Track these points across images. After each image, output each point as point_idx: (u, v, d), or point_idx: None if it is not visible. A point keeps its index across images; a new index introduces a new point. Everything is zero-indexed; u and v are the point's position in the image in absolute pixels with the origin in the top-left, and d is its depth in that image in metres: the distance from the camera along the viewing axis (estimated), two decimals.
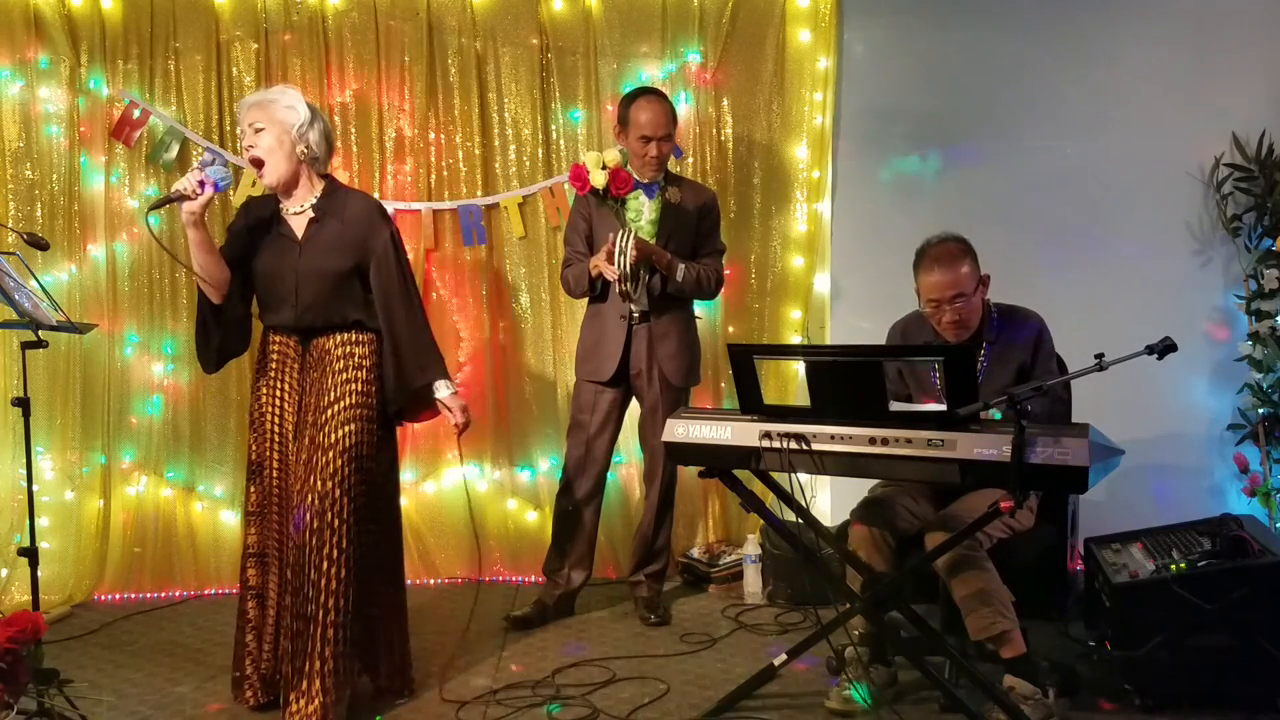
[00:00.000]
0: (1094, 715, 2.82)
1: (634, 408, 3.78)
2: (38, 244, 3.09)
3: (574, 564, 3.74)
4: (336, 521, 2.79)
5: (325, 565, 2.77)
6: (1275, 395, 3.91)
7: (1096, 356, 2.52)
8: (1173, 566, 2.90)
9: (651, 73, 4.17)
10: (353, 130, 4.13)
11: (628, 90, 3.77)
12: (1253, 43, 4.01)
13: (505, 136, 4.18)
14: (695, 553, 4.20)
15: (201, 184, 2.75)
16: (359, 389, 2.88)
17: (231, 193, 3.95)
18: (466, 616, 3.23)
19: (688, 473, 3.66)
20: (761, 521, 3.21)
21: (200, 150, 4.08)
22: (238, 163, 3.95)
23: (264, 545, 2.94)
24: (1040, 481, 2.46)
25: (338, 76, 4.12)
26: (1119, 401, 3.58)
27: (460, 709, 2.95)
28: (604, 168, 3.49)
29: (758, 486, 3.12)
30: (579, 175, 3.53)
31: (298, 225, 2.92)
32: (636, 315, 3.60)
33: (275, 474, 2.92)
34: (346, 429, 2.83)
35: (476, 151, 4.16)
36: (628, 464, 4.20)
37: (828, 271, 4.25)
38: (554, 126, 4.19)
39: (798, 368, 4.06)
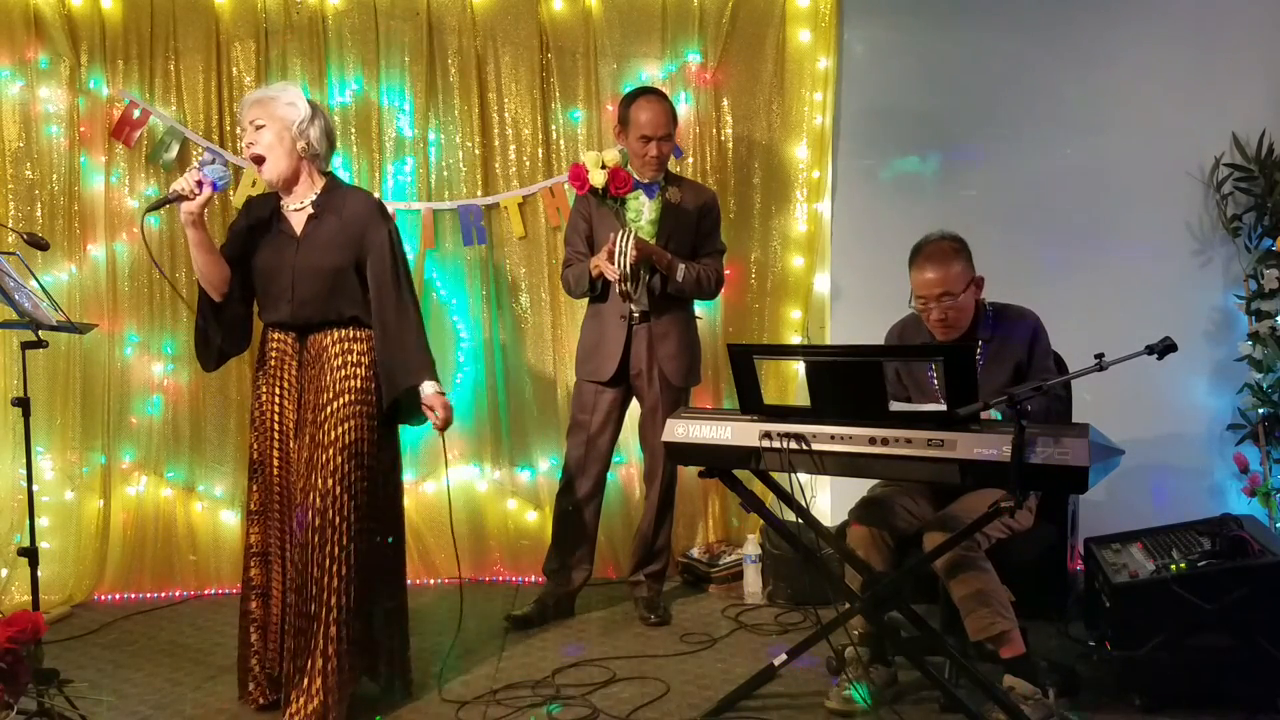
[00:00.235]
0: (1094, 715, 2.82)
1: (634, 407, 3.78)
2: (38, 244, 3.10)
3: (574, 564, 3.74)
4: (338, 519, 2.79)
5: (328, 563, 2.77)
6: (1275, 395, 3.91)
7: (1096, 356, 2.52)
8: (1173, 566, 2.90)
9: (651, 73, 4.17)
10: (353, 130, 4.13)
11: (628, 90, 3.77)
12: (1253, 43, 4.01)
13: (505, 136, 4.18)
14: (695, 553, 4.20)
15: (200, 184, 2.75)
16: (357, 385, 2.87)
17: (231, 192, 3.96)
18: (466, 617, 3.24)
19: (688, 473, 3.67)
20: (761, 521, 3.20)
21: (200, 150, 4.07)
22: (237, 162, 3.95)
23: (266, 544, 2.94)
24: (1040, 481, 2.45)
25: (338, 77, 4.12)
26: (1119, 401, 3.59)
27: (460, 709, 2.95)
28: (603, 167, 3.50)
29: (758, 486, 3.12)
30: (578, 175, 3.54)
31: (297, 222, 2.92)
32: (637, 315, 3.60)
33: (277, 472, 2.92)
34: (346, 425, 2.83)
35: (476, 151, 4.16)
36: (628, 464, 4.20)
37: (828, 271, 4.25)
38: (554, 126, 4.19)
39: (798, 368, 4.06)
